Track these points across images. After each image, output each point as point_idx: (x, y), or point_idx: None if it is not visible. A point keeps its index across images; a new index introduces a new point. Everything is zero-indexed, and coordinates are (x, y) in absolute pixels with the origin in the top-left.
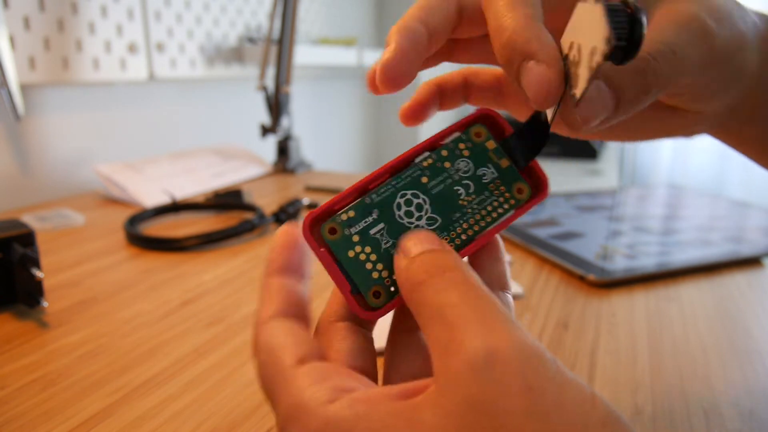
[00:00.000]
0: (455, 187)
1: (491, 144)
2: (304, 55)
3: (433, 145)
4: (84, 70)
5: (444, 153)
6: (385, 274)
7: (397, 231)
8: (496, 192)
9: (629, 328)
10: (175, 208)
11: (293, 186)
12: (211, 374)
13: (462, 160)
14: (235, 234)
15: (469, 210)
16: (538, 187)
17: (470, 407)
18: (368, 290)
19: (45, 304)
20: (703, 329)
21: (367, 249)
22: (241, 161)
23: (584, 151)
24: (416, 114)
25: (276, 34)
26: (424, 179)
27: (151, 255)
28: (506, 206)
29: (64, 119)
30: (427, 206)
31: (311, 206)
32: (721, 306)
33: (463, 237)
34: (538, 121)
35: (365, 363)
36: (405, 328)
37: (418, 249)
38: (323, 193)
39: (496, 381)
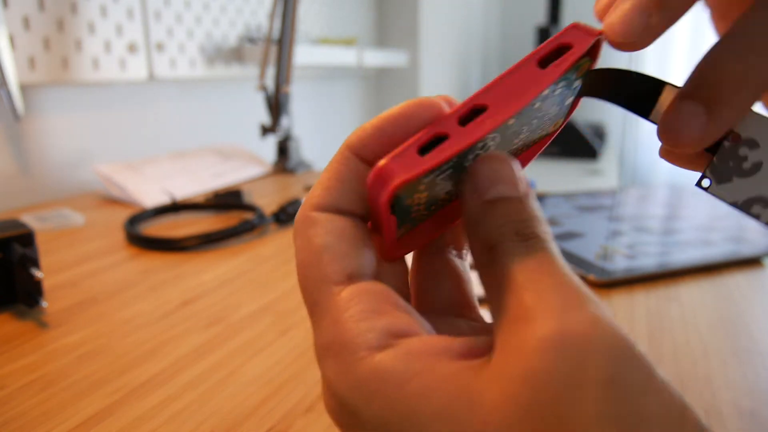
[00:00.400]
0: (533, 119)
1: (583, 69)
2: (304, 55)
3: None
4: (84, 70)
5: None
6: (422, 208)
7: (459, 171)
8: (555, 120)
9: (629, 328)
10: (175, 208)
11: (293, 186)
12: (210, 374)
13: (554, 96)
14: (235, 234)
15: (524, 135)
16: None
17: (533, 387)
18: (401, 226)
19: (44, 304)
20: (704, 329)
21: (424, 195)
22: (241, 161)
23: (584, 151)
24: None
25: (276, 34)
26: (511, 121)
27: (150, 255)
28: (544, 134)
29: (63, 119)
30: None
31: None
32: (722, 306)
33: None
34: (640, 91)
35: (399, 282)
36: (431, 250)
37: (495, 192)
38: None
39: (571, 365)
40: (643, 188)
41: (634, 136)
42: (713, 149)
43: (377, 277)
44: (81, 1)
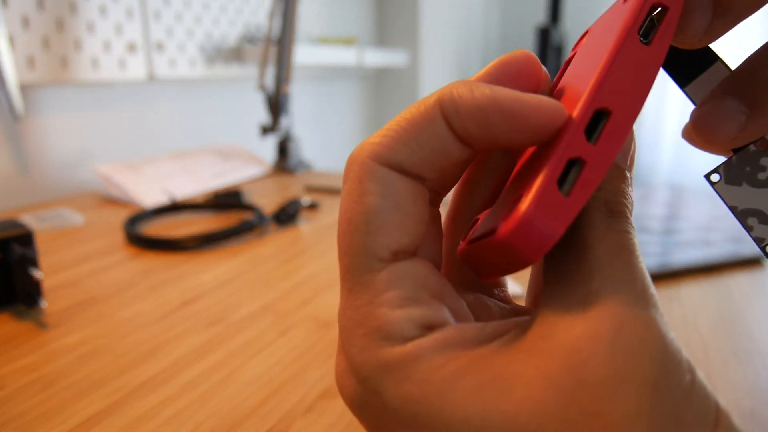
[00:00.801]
0: None
1: None
2: (304, 54)
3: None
4: (83, 69)
5: None
6: None
7: None
8: None
9: None
10: (175, 208)
11: (293, 186)
12: (210, 374)
13: None
14: (235, 234)
15: None
16: None
17: (575, 377)
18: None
19: (44, 304)
20: (704, 329)
21: None
22: (240, 161)
23: None
24: None
25: (276, 33)
26: None
27: (150, 255)
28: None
29: (63, 119)
30: None
31: (311, 206)
32: (722, 306)
33: None
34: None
35: (436, 251)
36: (463, 226)
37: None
38: (323, 193)
39: (619, 361)
40: (643, 188)
41: (634, 136)
42: (737, 148)
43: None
44: (80, 1)
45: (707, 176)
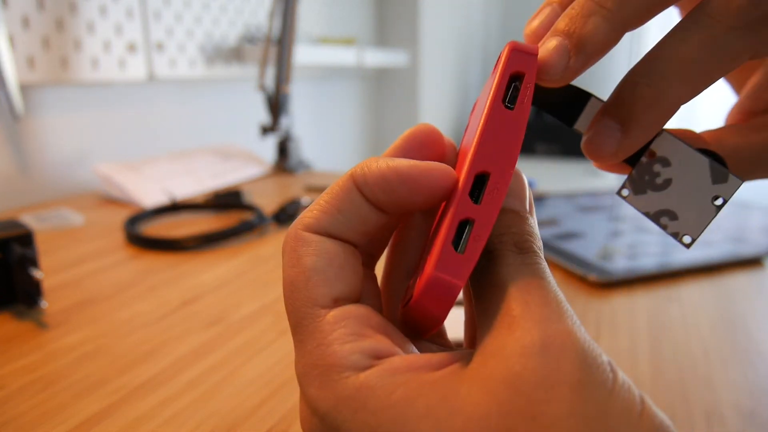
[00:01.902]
0: None
1: None
2: (304, 54)
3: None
4: (83, 69)
5: None
6: None
7: None
8: None
9: (630, 328)
10: (175, 208)
11: (293, 186)
12: (210, 375)
13: None
14: (235, 234)
15: None
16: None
17: (512, 388)
18: None
19: (44, 304)
20: (704, 330)
21: None
22: (240, 161)
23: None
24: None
25: (276, 33)
26: None
27: (150, 255)
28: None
29: (63, 119)
30: None
31: None
32: (722, 306)
33: None
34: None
35: (375, 302)
36: (401, 275)
37: (507, 202)
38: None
39: (546, 368)
40: None
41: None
42: (633, 163)
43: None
44: (80, 1)
45: (618, 193)
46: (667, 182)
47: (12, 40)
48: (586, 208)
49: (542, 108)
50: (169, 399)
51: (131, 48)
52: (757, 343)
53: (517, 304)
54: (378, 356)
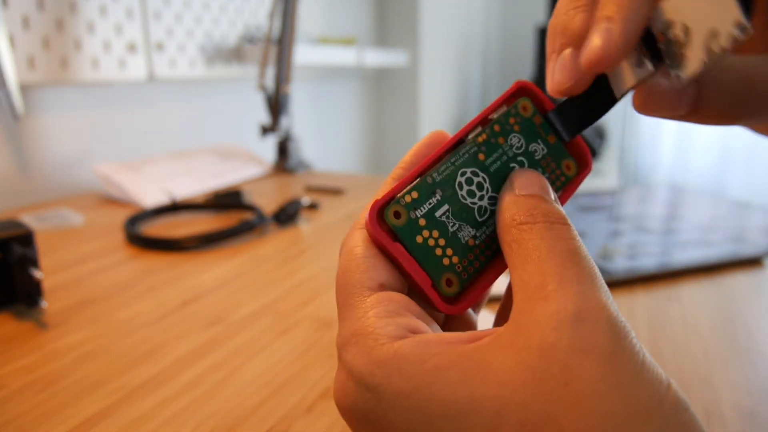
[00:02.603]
0: (511, 164)
1: (538, 119)
2: (304, 55)
3: (483, 121)
4: (83, 69)
5: (496, 128)
6: (455, 260)
7: (463, 213)
8: (548, 169)
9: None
10: (175, 208)
11: (293, 186)
12: (210, 374)
13: (514, 136)
14: (235, 234)
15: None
16: (582, 161)
17: (545, 356)
18: (440, 278)
19: (44, 304)
20: (704, 329)
21: (435, 233)
22: (240, 161)
23: None
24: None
25: (276, 33)
26: (481, 156)
27: (150, 255)
28: (558, 183)
29: (63, 119)
30: (487, 185)
31: (311, 206)
32: (722, 306)
33: None
34: (592, 95)
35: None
36: None
37: (529, 190)
38: (323, 193)
39: (580, 338)
40: (643, 188)
41: (634, 136)
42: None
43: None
44: (80, 1)
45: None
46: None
47: (12, 40)
48: (586, 208)
49: (586, 123)
50: (169, 399)
51: (131, 48)
52: (757, 343)
53: (552, 278)
54: (413, 331)
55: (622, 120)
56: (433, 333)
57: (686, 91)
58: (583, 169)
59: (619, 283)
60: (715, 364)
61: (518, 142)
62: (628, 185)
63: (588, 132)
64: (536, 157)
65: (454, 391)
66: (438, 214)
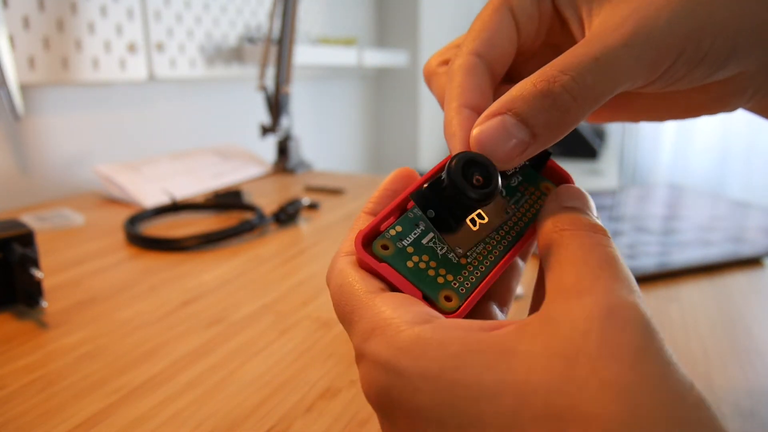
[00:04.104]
0: None
1: None
2: (304, 55)
3: None
4: (83, 70)
5: None
6: (450, 278)
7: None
8: (527, 192)
9: None
10: (175, 208)
11: (293, 186)
12: (210, 375)
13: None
14: (235, 234)
15: (509, 211)
16: (562, 182)
17: (573, 346)
18: (438, 295)
19: (44, 304)
20: (704, 329)
21: (425, 257)
22: (240, 161)
23: (584, 151)
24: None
25: (276, 34)
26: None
27: (150, 255)
28: (539, 204)
29: (63, 119)
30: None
31: (312, 206)
32: (722, 306)
33: (513, 234)
34: None
35: None
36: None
37: (573, 203)
38: (323, 193)
39: (611, 333)
40: (643, 188)
41: (634, 136)
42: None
43: None
44: (81, 1)
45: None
46: None
47: (12, 41)
48: None
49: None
50: (169, 399)
51: (131, 48)
52: (756, 343)
53: (587, 277)
54: (432, 316)
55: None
56: (450, 320)
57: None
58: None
59: None
60: (714, 363)
61: None
62: (628, 185)
63: (588, 132)
64: (512, 185)
65: (480, 375)
66: (424, 241)
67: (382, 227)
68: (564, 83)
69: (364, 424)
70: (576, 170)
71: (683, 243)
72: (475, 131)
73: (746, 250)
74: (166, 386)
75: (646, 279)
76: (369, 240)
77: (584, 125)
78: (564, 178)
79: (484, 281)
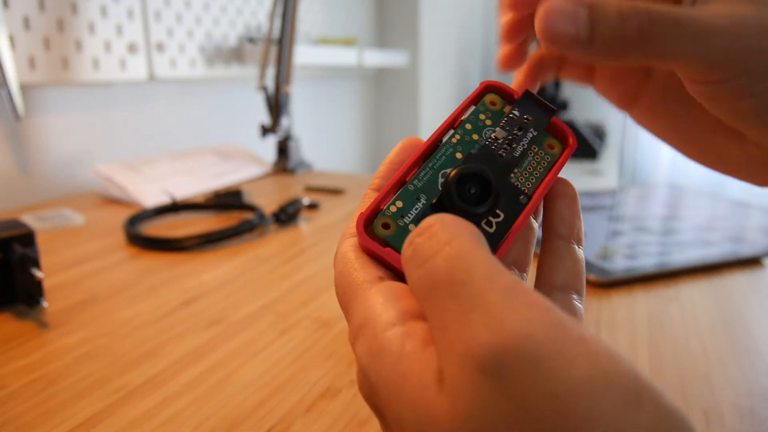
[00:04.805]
0: None
1: (508, 110)
2: (304, 55)
3: (453, 123)
4: (84, 70)
5: (468, 127)
6: None
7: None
8: (531, 152)
9: (629, 328)
10: (175, 208)
11: (293, 186)
12: (210, 374)
13: (488, 130)
14: (235, 234)
15: (513, 174)
16: (564, 140)
17: (487, 416)
18: None
19: (45, 304)
20: (703, 329)
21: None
22: (240, 161)
23: (584, 151)
24: (515, 57)
25: (276, 34)
26: (458, 155)
27: (150, 255)
28: (544, 164)
29: (63, 119)
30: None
31: (312, 206)
32: (721, 306)
33: (524, 201)
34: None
35: None
36: (557, 234)
37: (418, 232)
38: (323, 193)
39: (512, 388)
40: (643, 188)
41: (634, 136)
42: None
43: None
44: (81, 2)
45: None
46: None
47: (13, 41)
48: (586, 208)
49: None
50: (169, 399)
51: (132, 48)
52: (756, 343)
53: (442, 317)
54: (412, 315)
55: (622, 120)
56: (421, 324)
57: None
58: (566, 146)
59: (619, 283)
60: (714, 363)
61: (495, 134)
62: (627, 185)
63: (588, 132)
64: (516, 154)
65: (409, 414)
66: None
67: (383, 205)
68: (641, 21)
69: (364, 424)
70: (576, 170)
71: (683, 243)
72: (549, 3)
73: (746, 250)
74: (166, 386)
75: (646, 279)
76: (371, 220)
77: (584, 126)
78: (567, 138)
79: (495, 254)
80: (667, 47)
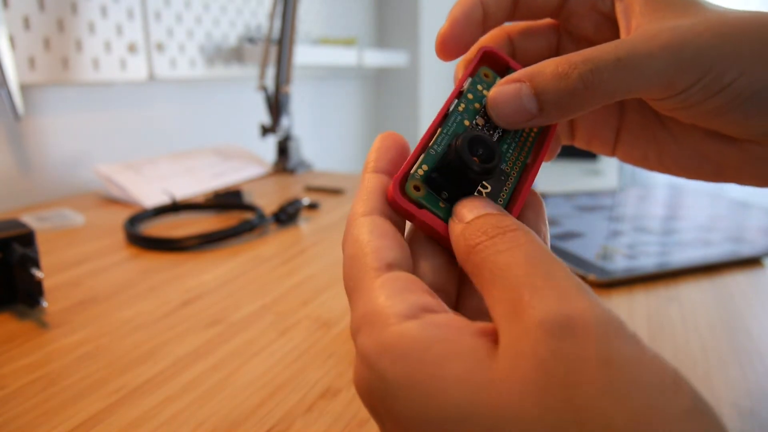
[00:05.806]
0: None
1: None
2: (304, 55)
3: (458, 92)
4: (84, 70)
5: (470, 96)
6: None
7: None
8: (510, 136)
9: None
10: (175, 208)
11: (293, 186)
12: (210, 375)
13: (485, 99)
14: (235, 234)
15: (509, 142)
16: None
17: (541, 369)
18: None
19: (45, 304)
20: (703, 329)
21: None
22: (240, 161)
23: (584, 151)
24: (453, 39)
25: (276, 34)
26: (466, 122)
27: (150, 255)
28: (530, 139)
29: (63, 119)
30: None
31: (311, 206)
32: (721, 306)
33: (518, 165)
34: None
35: (448, 282)
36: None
37: (474, 214)
38: (323, 193)
39: (573, 350)
40: (643, 188)
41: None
42: None
43: (433, 271)
44: (81, 1)
45: None
46: None
47: (13, 41)
48: (586, 208)
49: None
50: (169, 399)
51: (132, 48)
52: (756, 343)
53: (525, 288)
54: (424, 309)
55: None
56: (444, 314)
57: None
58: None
59: (619, 283)
60: (714, 363)
61: None
62: (627, 185)
63: None
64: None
65: (454, 391)
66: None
67: (411, 169)
68: (582, 72)
69: (364, 424)
70: (576, 170)
71: (683, 243)
72: (493, 91)
73: (746, 250)
74: (166, 386)
75: (646, 279)
76: (403, 184)
77: None
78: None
79: (516, 195)
80: (617, 85)
